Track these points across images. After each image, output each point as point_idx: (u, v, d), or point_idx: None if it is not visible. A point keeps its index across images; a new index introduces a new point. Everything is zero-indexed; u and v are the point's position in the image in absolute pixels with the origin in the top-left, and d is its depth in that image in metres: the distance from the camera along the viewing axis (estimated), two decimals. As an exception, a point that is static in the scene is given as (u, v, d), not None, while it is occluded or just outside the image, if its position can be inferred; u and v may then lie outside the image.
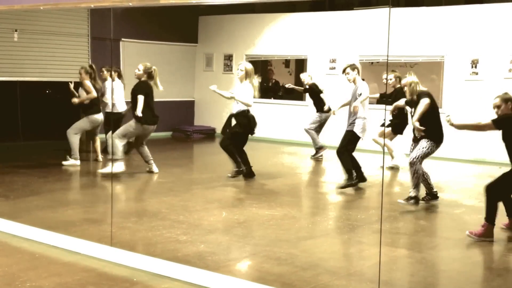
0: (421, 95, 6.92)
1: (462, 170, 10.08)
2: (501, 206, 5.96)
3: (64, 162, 9.32)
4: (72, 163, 9.32)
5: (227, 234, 5.91)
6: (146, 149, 8.86)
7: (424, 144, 6.89)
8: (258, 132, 8.54)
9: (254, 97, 8.39)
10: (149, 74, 8.56)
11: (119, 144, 8.43)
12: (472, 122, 6.04)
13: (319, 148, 10.50)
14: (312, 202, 7.82)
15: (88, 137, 10.30)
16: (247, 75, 8.38)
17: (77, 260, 4.98)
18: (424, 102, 6.83)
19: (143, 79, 8.53)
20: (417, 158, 6.86)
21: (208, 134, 14.05)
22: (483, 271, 5.15)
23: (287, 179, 9.36)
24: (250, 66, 8.48)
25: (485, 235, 5.70)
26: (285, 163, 10.49)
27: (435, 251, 5.68)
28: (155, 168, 8.91)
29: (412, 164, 6.89)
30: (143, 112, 8.41)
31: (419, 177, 6.86)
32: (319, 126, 10.69)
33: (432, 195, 7.30)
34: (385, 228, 6.18)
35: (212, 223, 6.34)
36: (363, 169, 8.24)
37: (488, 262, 5.50)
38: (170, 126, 14.22)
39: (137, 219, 6.42)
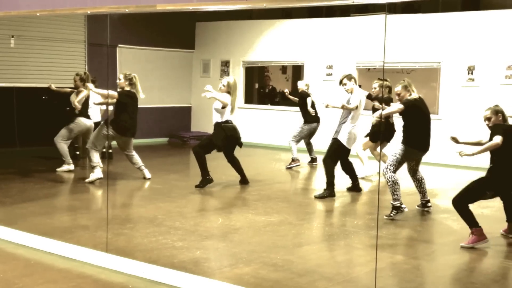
0: (406, 102, 6.79)
1: (458, 176, 10.07)
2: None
3: (58, 169, 9.31)
4: (66, 168, 9.32)
5: (223, 240, 5.90)
6: (135, 156, 8.83)
7: (397, 151, 6.83)
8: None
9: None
10: (130, 81, 8.55)
11: (94, 152, 8.51)
12: (481, 144, 6.11)
13: (293, 160, 10.40)
14: (308, 208, 7.80)
15: (84, 144, 10.27)
16: (228, 89, 8.35)
17: (72, 267, 4.97)
18: (397, 106, 6.86)
19: (126, 88, 8.53)
20: (387, 167, 6.78)
21: (205, 140, 14.02)
22: (479, 278, 5.14)
23: (284, 185, 9.36)
24: (232, 81, 8.44)
25: (478, 239, 5.73)
26: (282, 169, 10.47)
27: (431, 258, 5.68)
28: (147, 174, 8.90)
29: (383, 173, 6.84)
30: (121, 120, 8.49)
31: (392, 186, 6.71)
32: (308, 137, 10.54)
33: (422, 204, 7.26)
34: (382, 235, 6.18)
35: (208, 229, 6.33)
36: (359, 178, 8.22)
37: (485, 268, 5.50)
38: (166, 132, 14.23)
39: (133, 225, 6.41)
